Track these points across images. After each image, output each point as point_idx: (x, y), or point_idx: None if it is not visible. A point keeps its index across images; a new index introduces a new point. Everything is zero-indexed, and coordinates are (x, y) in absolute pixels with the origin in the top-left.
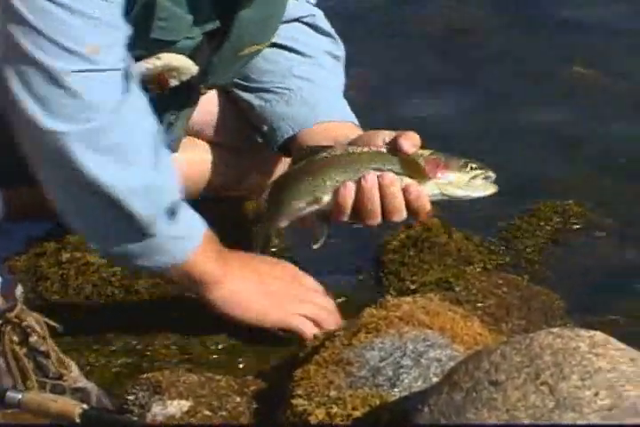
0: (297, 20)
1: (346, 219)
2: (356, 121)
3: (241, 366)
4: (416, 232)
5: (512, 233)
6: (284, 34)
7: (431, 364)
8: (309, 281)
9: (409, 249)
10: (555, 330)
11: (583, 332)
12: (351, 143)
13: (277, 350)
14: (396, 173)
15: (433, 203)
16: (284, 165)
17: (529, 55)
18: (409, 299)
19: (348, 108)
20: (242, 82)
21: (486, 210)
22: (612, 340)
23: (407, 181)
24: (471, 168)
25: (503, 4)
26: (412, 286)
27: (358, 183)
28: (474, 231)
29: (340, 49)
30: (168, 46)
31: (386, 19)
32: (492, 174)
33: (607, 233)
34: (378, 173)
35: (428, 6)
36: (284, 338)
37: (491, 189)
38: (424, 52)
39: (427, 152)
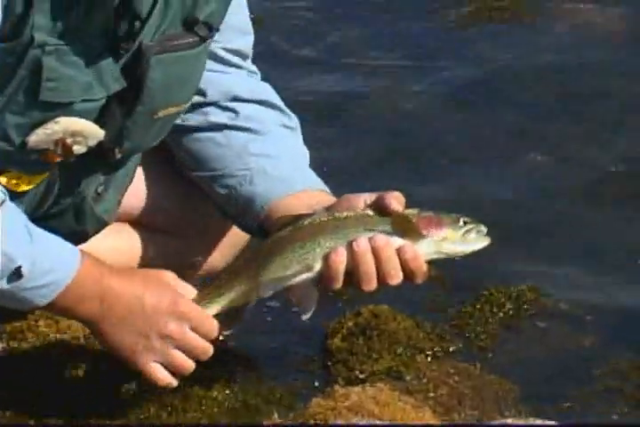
0: (243, 98)
1: (339, 286)
2: (327, 188)
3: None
4: (364, 319)
5: (463, 320)
6: (231, 114)
7: None
8: (187, 309)
9: (357, 337)
10: (509, 421)
11: (539, 422)
12: (331, 208)
13: None
14: (389, 234)
15: (429, 263)
16: (237, 238)
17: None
18: (358, 388)
19: (315, 176)
20: (202, 173)
21: (436, 296)
22: None
23: (401, 241)
24: (464, 223)
25: None
26: (361, 376)
27: (350, 248)
28: (424, 318)
29: (292, 121)
30: (64, 109)
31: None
32: (483, 228)
33: (562, 319)
34: (369, 236)
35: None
36: None
37: (485, 242)
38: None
39: (414, 211)
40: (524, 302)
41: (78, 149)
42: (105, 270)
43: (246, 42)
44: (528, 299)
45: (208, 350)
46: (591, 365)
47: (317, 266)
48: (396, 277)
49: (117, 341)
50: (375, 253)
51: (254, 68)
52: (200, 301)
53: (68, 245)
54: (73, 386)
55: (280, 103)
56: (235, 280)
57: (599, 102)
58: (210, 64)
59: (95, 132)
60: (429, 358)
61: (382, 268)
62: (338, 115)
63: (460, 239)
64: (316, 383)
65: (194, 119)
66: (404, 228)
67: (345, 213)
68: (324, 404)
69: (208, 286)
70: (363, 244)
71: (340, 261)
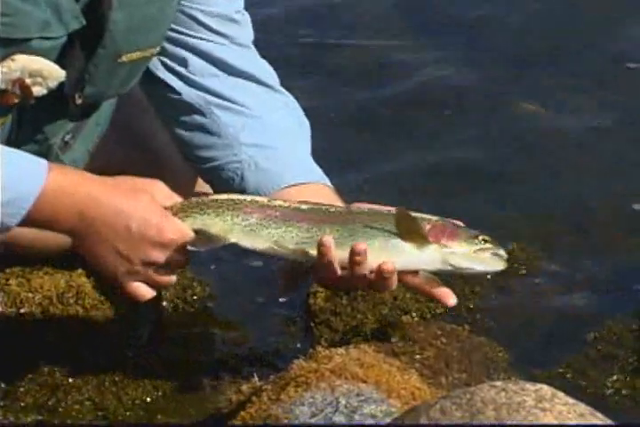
0: (237, 75)
1: (328, 281)
2: (327, 180)
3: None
4: None
5: (452, 280)
6: (222, 92)
7: (365, 420)
8: (173, 237)
9: (341, 297)
10: (498, 383)
11: (528, 385)
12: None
13: (199, 406)
14: (393, 234)
15: (436, 274)
16: None
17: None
18: (341, 350)
19: (313, 166)
20: (195, 164)
21: None
22: (560, 394)
23: (402, 244)
24: (483, 241)
25: None
26: (345, 337)
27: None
28: None
29: (286, 97)
30: (20, 46)
31: None
32: (502, 253)
33: (552, 279)
34: (372, 239)
35: None
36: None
37: (498, 266)
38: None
39: (435, 218)
40: (514, 262)
41: (38, 90)
42: (81, 179)
43: (231, 5)
44: (518, 258)
45: (185, 263)
46: (584, 328)
47: (314, 253)
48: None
49: (99, 260)
50: (378, 274)
51: (246, 38)
52: (187, 211)
53: (34, 158)
54: (41, 348)
55: (272, 79)
56: (228, 211)
57: (586, 52)
58: (195, 30)
59: (55, 73)
60: (415, 319)
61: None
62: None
63: (471, 255)
64: (298, 345)
65: (181, 96)
66: (410, 230)
67: (360, 209)
68: (307, 366)
69: (205, 200)
70: (361, 250)
71: (330, 255)
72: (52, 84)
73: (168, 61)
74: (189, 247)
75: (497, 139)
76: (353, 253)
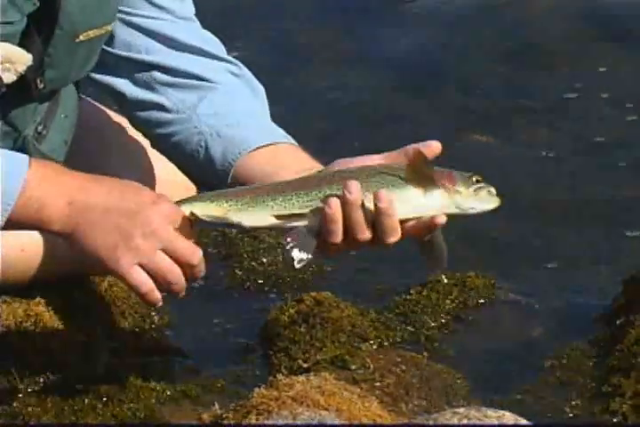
0: (183, 49)
1: (337, 239)
2: (291, 139)
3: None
4: (307, 307)
5: (410, 308)
6: (171, 68)
7: None
8: (171, 208)
9: (299, 325)
10: (460, 410)
11: (490, 412)
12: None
13: None
14: (402, 179)
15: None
16: None
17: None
18: (302, 378)
19: (275, 127)
20: (157, 146)
21: (382, 282)
22: (522, 420)
23: (412, 190)
24: (476, 180)
25: None
26: (304, 365)
27: (344, 197)
28: (368, 306)
29: (239, 68)
30: None
31: None
32: (493, 189)
33: (510, 307)
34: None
35: None
36: None
37: (496, 203)
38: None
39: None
40: (472, 290)
41: (8, 76)
42: (63, 169)
43: None
44: (476, 286)
45: (197, 250)
46: (542, 355)
47: (319, 216)
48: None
49: (98, 244)
50: (376, 208)
51: (188, 11)
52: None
53: (13, 154)
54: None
55: (222, 51)
56: (224, 197)
57: (546, 81)
58: (140, 8)
59: (23, 57)
60: (375, 347)
61: (380, 224)
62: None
63: (473, 195)
64: (258, 373)
65: (134, 79)
66: (419, 174)
67: (351, 169)
68: (267, 394)
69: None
70: (354, 190)
71: (333, 211)
72: (21, 68)
73: (114, 42)
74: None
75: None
76: (378, 200)
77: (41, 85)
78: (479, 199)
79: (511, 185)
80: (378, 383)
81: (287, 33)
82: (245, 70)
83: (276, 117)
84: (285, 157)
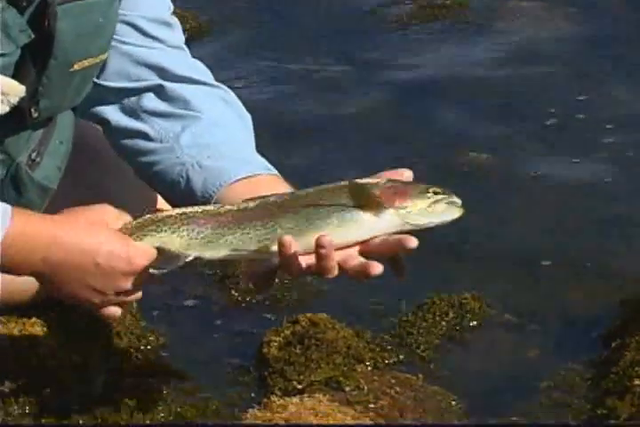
0: (171, 78)
1: (296, 275)
2: (273, 169)
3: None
4: (302, 328)
5: (405, 329)
6: (159, 99)
7: None
8: (142, 263)
9: (294, 346)
10: None
11: None
12: None
13: None
14: (348, 207)
15: (408, 232)
16: None
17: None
18: (296, 399)
19: (257, 158)
20: (140, 173)
21: (377, 303)
22: None
23: (360, 215)
24: (433, 193)
25: None
26: (299, 386)
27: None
28: (364, 327)
29: (226, 93)
30: None
31: None
32: (456, 199)
33: (505, 329)
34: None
35: None
36: None
37: (456, 214)
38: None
39: (383, 180)
40: (468, 312)
41: (1, 108)
42: (42, 223)
43: (163, 8)
44: (471, 308)
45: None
46: (537, 377)
47: (276, 248)
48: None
49: (70, 297)
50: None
51: (178, 39)
52: (143, 229)
53: None
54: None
55: (207, 76)
56: (183, 226)
57: (541, 104)
58: (132, 37)
59: (15, 89)
60: (369, 369)
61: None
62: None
63: (427, 211)
64: (252, 394)
65: (120, 106)
66: (364, 198)
67: (306, 191)
68: (261, 415)
69: (159, 216)
70: (326, 243)
71: (290, 253)
72: (14, 100)
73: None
74: (152, 271)
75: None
76: (318, 246)
77: (35, 114)
78: (435, 214)
79: (506, 203)
80: (372, 405)
81: (279, 59)
82: (233, 96)
83: (267, 142)
84: (265, 189)
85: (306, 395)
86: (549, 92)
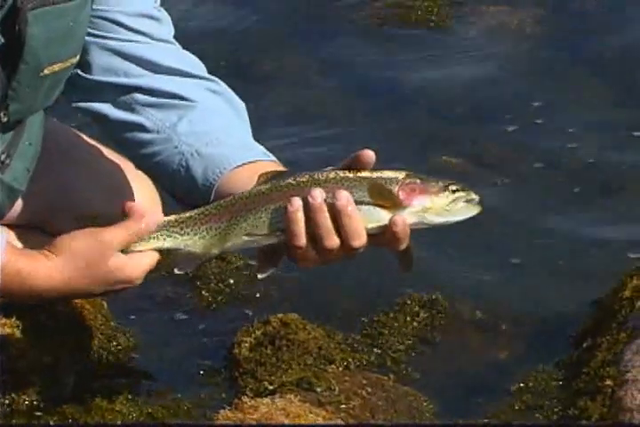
0: (163, 71)
1: (301, 243)
2: (271, 155)
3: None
4: (273, 329)
5: (376, 330)
6: (152, 90)
7: None
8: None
9: (266, 347)
10: None
11: None
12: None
13: None
14: (366, 204)
15: (412, 230)
16: None
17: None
18: (267, 400)
19: (255, 144)
20: (140, 165)
21: (349, 304)
22: None
23: (378, 212)
24: (452, 191)
25: None
26: (270, 387)
27: (306, 202)
28: (335, 327)
29: (218, 84)
30: None
31: None
32: (474, 196)
33: (477, 329)
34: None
35: None
36: None
37: (473, 212)
38: None
39: (402, 174)
40: (439, 312)
41: None
42: (34, 267)
43: (147, 2)
44: (443, 308)
45: None
46: (508, 378)
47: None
48: (359, 239)
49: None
50: (333, 209)
51: (166, 33)
52: (169, 230)
53: None
54: None
55: (199, 68)
56: (202, 226)
57: (513, 105)
58: (116, 32)
59: None
60: (341, 369)
61: (343, 227)
62: None
63: (445, 209)
64: (223, 395)
65: (115, 101)
66: (382, 197)
67: (325, 176)
68: (232, 416)
69: (176, 219)
70: (318, 197)
71: (296, 213)
72: None
73: (92, 68)
74: (176, 271)
75: None
76: (336, 198)
77: (4, 119)
78: (453, 212)
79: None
80: (343, 406)
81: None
82: (225, 87)
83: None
84: (257, 172)
85: (277, 396)
86: (508, 95)
